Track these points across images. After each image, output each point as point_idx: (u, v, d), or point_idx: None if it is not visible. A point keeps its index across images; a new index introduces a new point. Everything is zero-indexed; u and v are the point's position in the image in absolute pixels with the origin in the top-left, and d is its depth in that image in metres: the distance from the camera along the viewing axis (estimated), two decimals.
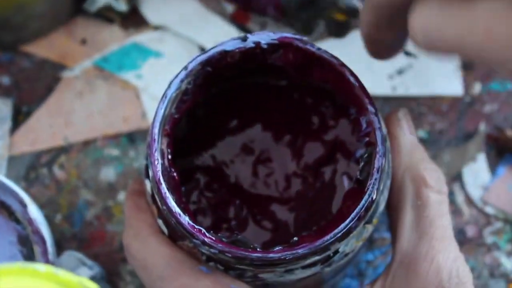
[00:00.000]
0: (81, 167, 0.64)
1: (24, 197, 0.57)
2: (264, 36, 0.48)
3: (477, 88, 0.66)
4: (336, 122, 0.53)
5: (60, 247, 0.62)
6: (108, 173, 0.64)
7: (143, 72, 0.67)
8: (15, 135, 0.65)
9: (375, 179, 0.46)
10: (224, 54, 0.48)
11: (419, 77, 0.66)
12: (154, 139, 0.46)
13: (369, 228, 0.48)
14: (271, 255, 0.45)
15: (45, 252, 0.56)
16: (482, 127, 0.66)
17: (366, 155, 0.47)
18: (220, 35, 0.67)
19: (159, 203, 0.47)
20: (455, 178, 0.65)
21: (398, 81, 0.66)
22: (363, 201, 0.45)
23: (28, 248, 0.57)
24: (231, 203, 0.54)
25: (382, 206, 0.49)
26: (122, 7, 0.66)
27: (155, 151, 0.46)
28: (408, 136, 0.51)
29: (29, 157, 0.64)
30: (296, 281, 0.49)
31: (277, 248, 0.45)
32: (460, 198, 0.64)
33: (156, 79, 0.66)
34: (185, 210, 0.46)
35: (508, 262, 0.63)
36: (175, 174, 0.48)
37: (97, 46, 0.67)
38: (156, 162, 0.46)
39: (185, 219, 0.45)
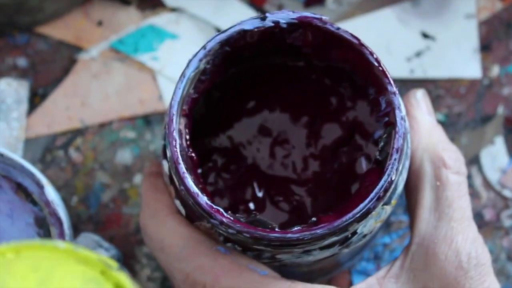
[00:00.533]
0: (97, 149, 0.64)
1: (41, 179, 0.57)
2: (283, 15, 0.47)
3: (495, 70, 0.66)
4: (354, 103, 0.53)
5: (76, 229, 0.62)
6: (124, 156, 0.64)
7: (159, 54, 0.66)
8: (32, 117, 0.65)
9: (394, 159, 0.45)
10: (243, 33, 0.48)
11: (437, 59, 0.66)
12: (172, 119, 0.46)
13: (388, 209, 0.48)
14: (289, 235, 0.44)
15: (61, 233, 0.56)
16: (501, 110, 0.65)
17: (385, 135, 0.47)
18: (237, 17, 0.67)
19: (176, 184, 0.46)
20: (472, 161, 0.64)
21: (416, 64, 0.66)
22: (382, 182, 0.45)
23: (45, 229, 0.57)
24: (248, 184, 0.54)
25: (400, 187, 0.49)
26: None
27: (173, 131, 0.45)
28: (426, 117, 0.51)
29: (45, 140, 0.64)
30: (313, 262, 0.49)
31: (295, 228, 0.45)
32: (477, 181, 0.64)
33: (172, 61, 0.66)
34: (203, 190, 0.46)
35: None
36: (193, 154, 0.48)
37: (113, 28, 0.67)
38: (174, 142, 0.45)
39: (203, 199, 0.45)
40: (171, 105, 0.46)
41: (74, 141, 0.64)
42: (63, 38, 0.67)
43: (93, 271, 0.37)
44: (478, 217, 0.63)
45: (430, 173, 0.49)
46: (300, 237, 0.44)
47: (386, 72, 0.47)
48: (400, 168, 0.47)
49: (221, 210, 0.45)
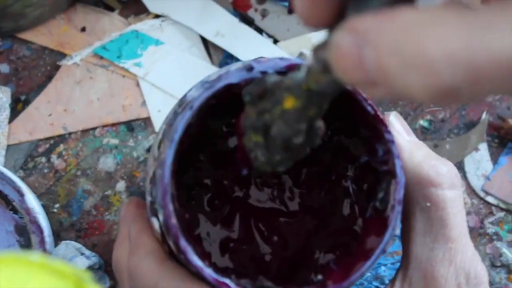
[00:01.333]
0: (80, 156, 0.64)
1: (22, 187, 0.56)
2: (271, 64, 0.45)
3: None
4: (347, 138, 0.52)
5: (58, 236, 0.61)
6: (107, 162, 0.64)
7: (143, 61, 0.66)
8: (14, 124, 0.64)
9: (397, 212, 0.44)
10: (229, 87, 0.45)
11: None
12: (166, 189, 0.43)
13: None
14: None
15: (42, 241, 0.56)
16: (484, 116, 0.65)
17: (385, 185, 0.46)
18: (220, 24, 0.66)
19: (173, 249, 0.45)
20: (457, 167, 0.64)
21: None
22: (387, 236, 0.44)
23: (25, 237, 0.56)
24: (235, 219, 0.53)
25: (397, 232, 0.48)
26: None
27: (168, 203, 0.43)
28: (405, 137, 0.49)
29: (27, 146, 0.64)
30: None
31: None
32: (461, 188, 0.64)
33: (156, 67, 0.66)
34: (202, 255, 0.45)
35: (509, 252, 0.62)
36: (186, 214, 0.46)
37: (96, 34, 0.67)
38: (170, 214, 0.43)
39: (208, 272, 0.43)
40: (163, 174, 0.43)
41: (57, 148, 0.64)
42: (46, 44, 0.66)
43: (66, 284, 0.37)
44: None
45: (419, 195, 0.47)
46: None
47: (383, 120, 0.46)
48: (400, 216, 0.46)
49: (228, 282, 0.44)
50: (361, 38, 0.27)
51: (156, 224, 0.46)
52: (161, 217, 0.44)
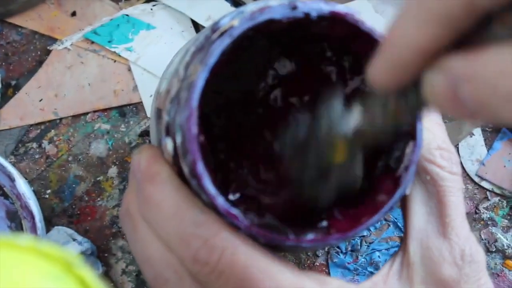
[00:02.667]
0: (71, 141, 0.63)
1: (13, 172, 0.56)
2: (315, 7, 0.44)
3: None
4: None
5: (50, 222, 0.61)
6: (99, 148, 0.63)
7: (134, 45, 0.66)
8: (4, 109, 0.64)
9: (411, 173, 0.44)
10: (270, 22, 0.45)
11: None
12: (193, 112, 0.42)
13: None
14: (304, 244, 0.43)
15: (33, 227, 0.55)
16: None
17: (402, 144, 0.46)
18: (212, 8, 0.66)
19: (185, 173, 0.45)
20: None
21: None
22: (397, 195, 0.44)
23: (17, 223, 0.56)
24: (246, 159, 0.53)
25: (407, 192, 0.48)
26: None
27: (192, 125, 0.43)
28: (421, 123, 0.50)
29: (18, 132, 0.63)
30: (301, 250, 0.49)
31: (309, 237, 0.44)
32: None
33: (148, 52, 0.65)
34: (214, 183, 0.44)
35: (504, 237, 0.62)
36: (202, 139, 0.46)
37: (87, 19, 0.66)
38: (193, 137, 0.42)
39: (220, 201, 0.42)
40: (192, 96, 0.42)
41: (48, 133, 0.64)
42: (36, 29, 0.66)
43: (56, 268, 0.36)
44: None
45: (422, 167, 0.48)
46: (314, 246, 0.44)
47: None
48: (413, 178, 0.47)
49: (238, 214, 0.44)
50: (457, 78, 0.30)
51: (169, 145, 0.45)
52: (179, 138, 0.43)
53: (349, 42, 0.47)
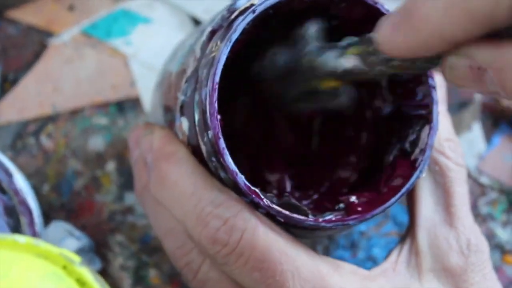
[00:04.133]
0: (69, 136, 0.63)
1: (10, 167, 0.56)
2: None
3: None
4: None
5: (48, 218, 0.61)
6: (97, 143, 0.63)
7: (132, 39, 0.65)
8: (2, 103, 0.64)
9: (427, 157, 0.45)
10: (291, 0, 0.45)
11: None
12: (214, 88, 0.42)
13: None
14: (323, 224, 0.43)
15: (31, 223, 0.55)
16: (478, 95, 0.65)
17: (418, 128, 0.47)
18: (211, 1, 0.66)
19: (203, 152, 0.44)
20: None
21: None
22: (413, 178, 0.45)
23: (14, 218, 0.56)
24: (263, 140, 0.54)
25: (423, 175, 0.49)
26: None
27: (215, 102, 0.42)
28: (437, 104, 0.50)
29: (16, 126, 0.63)
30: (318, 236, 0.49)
31: (328, 217, 0.44)
32: None
33: (146, 46, 0.65)
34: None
35: (503, 232, 0.62)
36: (219, 117, 0.45)
37: (85, 12, 0.66)
38: (215, 114, 0.42)
39: (241, 179, 0.42)
40: (215, 72, 0.43)
41: (46, 128, 0.63)
42: (34, 23, 0.65)
43: (54, 266, 0.36)
44: None
45: (432, 157, 0.49)
46: (333, 227, 0.44)
47: None
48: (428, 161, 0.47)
49: (259, 192, 0.43)
50: (485, 64, 0.34)
51: (185, 124, 0.45)
52: (197, 116, 0.43)
53: (369, 24, 0.46)
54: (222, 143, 0.42)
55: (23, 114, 0.63)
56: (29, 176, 0.62)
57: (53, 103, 0.64)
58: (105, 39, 0.65)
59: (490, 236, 0.62)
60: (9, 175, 0.55)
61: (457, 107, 0.64)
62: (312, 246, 0.61)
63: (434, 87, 0.46)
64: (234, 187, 0.43)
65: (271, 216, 0.43)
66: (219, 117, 0.42)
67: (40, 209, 0.58)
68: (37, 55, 0.65)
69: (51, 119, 0.63)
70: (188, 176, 0.45)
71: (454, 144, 0.50)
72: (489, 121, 0.65)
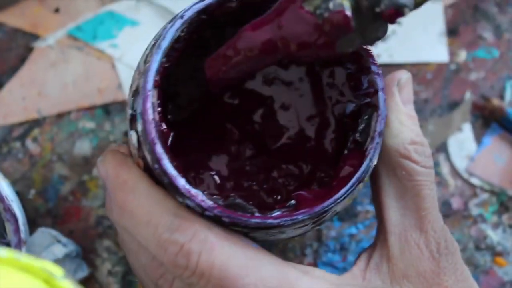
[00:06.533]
0: (55, 140, 0.63)
1: None
2: None
3: (462, 55, 0.65)
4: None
5: (34, 223, 0.60)
6: (83, 147, 0.63)
7: (118, 42, 0.65)
8: None
9: (377, 143, 0.45)
10: (222, 2, 0.46)
11: (403, 44, 0.65)
12: (148, 95, 0.43)
13: (361, 186, 0.48)
14: (269, 221, 0.44)
15: (17, 230, 0.54)
16: (468, 95, 0.64)
17: (366, 117, 0.46)
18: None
19: (148, 160, 0.45)
20: (440, 148, 0.63)
21: (382, 49, 0.65)
22: (364, 166, 0.45)
23: (0, 225, 0.55)
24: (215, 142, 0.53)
25: (374, 164, 0.48)
26: None
27: (148, 108, 0.43)
28: (401, 107, 0.50)
29: (1, 131, 0.63)
30: (285, 239, 0.49)
31: (275, 213, 0.44)
32: (445, 169, 0.63)
33: (132, 49, 0.64)
34: (177, 168, 0.44)
35: (494, 234, 0.62)
36: (164, 127, 0.46)
37: (71, 15, 0.65)
38: (150, 120, 0.43)
39: (181, 182, 0.43)
40: (146, 80, 0.44)
41: (31, 132, 0.63)
42: (19, 26, 0.65)
43: (36, 280, 0.36)
44: (445, 206, 0.62)
45: (397, 162, 0.49)
46: (281, 223, 0.44)
47: (371, 52, 0.47)
48: (380, 149, 0.47)
49: (200, 193, 0.43)
50: None
51: (133, 137, 0.46)
52: (139, 126, 0.44)
53: None
54: (158, 149, 0.43)
55: (8, 118, 0.63)
56: (15, 181, 0.61)
57: (38, 107, 0.63)
58: (91, 42, 0.64)
59: (481, 238, 0.62)
60: None
61: (447, 108, 0.64)
62: (301, 250, 0.60)
63: (377, 73, 0.46)
64: (176, 191, 0.43)
65: (217, 217, 0.43)
66: (155, 124, 0.43)
67: (26, 215, 0.57)
68: (22, 59, 0.64)
69: (37, 123, 0.63)
70: (143, 205, 0.46)
71: (420, 146, 0.49)
72: (479, 121, 0.64)
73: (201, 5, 0.45)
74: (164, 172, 0.43)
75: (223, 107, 0.53)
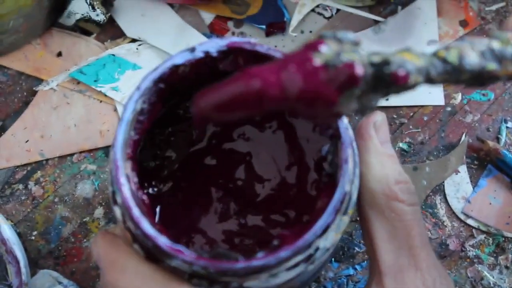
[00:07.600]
0: (57, 182, 0.63)
1: None
2: (212, 44, 0.46)
3: (458, 98, 0.66)
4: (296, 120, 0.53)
5: (36, 264, 0.61)
6: (85, 189, 0.63)
7: (120, 85, 0.66)
8: None
9: (345, 171, 0.45)
10: (174, 68, 0.46)
11: None
12: (118, 165, 0.44)
13: (346, 219, 0.48)
14: (254, 262, 0.44)
15: (18, 272, 0.55)
16: (464, 138, 0.65)
17: (332, 148, 0.47)
18: None
19: (132, 228, 0.45)
20: (436, 190, 0.64)
21: None
22: (337, 194, 0.44)
23: (2, 267, 0.56)
24: (194, 195, 0.54)
25: (355, 196, 0.48)
26: (101, 17, 0.66)
27: (120, 178, 0.44)
28: (380, 148, 0.50)
29: (4, 173, 0.64)
30: (282, 284, 0.49)
31: (259, 255, 0.45)
32: (442, 211, 0.63)
33: None
34: (160, 230, 0.45)
35: (491, 275, 0.62)
36: (144, 197, 0.47)
37: (73, 59, 0.67)
38: (123, 188, 0.44)
39: (162, 241, 0.44)
40: (114, 151, 0.44)
41: (34, 174, 0.64)
42: (22, 70, 0.66)
43: None
44: (442, 247, 0.62)
45: (385, 205, 0.49)
46: (266, 263, 0.44)
47: None
48: (352, 177, 0.47)
49: (182, 249, 0.44)
50: None
51: (117, 212, 0.46)
52: (119, 199, 0.44)
53: None
54: (135, 213, 0.43)
55: (11, 161, 0.64)
56: (17, 222, 0.62)
57: (41, 149, 0.64)
58: (93, 85, 0.65)
59: (478, 279, 0.62)
60: None
61: (443, 150, 0.64)
62: None
63: None
64: (161, 252, 0.44)
65: (207, 270, 0.44)
66: (127, 188, 0.43)
67: (28, 256, 0.58)
68: (25, 102, 0.65)
69: (40, 165, 0.64)
70: (132, 282, 0.46)
71: (404, 185, 0.49)
72: (475, 163, 0.65)
73: (155, 74, 0.46)
74: (145, 235, 0.44)
75: (204, 170, 0.54)
